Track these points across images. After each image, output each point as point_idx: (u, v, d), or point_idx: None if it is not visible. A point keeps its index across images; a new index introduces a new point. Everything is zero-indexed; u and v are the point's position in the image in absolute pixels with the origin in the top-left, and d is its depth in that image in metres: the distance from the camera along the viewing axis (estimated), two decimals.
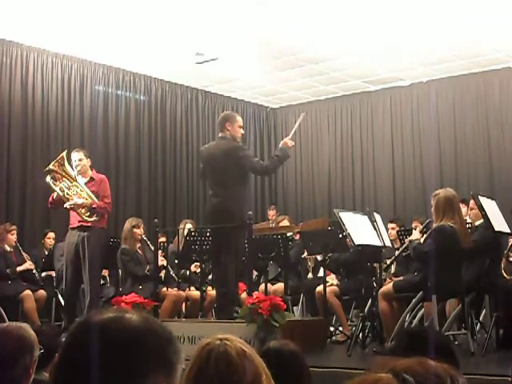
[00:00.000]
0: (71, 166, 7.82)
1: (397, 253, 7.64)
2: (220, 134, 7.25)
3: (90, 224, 7.67)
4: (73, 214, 7.76)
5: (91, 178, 7.90)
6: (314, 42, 10.63)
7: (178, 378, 1.36)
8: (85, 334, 1.31)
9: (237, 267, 7.03)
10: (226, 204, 6.95)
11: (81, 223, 7.69)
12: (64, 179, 7.71)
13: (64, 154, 7.89)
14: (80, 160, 7.86)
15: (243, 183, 7.25)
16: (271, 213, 11.94)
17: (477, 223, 7.08)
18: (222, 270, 7.06)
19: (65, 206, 7.71)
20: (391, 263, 7.93)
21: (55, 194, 7.80)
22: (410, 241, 6.68)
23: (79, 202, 7.68)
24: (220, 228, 7.02)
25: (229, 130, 7.14)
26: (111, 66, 11.78)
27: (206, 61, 11.33)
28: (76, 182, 7.73)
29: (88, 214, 7.68)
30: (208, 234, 7.78)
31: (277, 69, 11.93)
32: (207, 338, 2.12)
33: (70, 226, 7.82)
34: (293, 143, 7.40)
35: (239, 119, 7.33)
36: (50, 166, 7.73)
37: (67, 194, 7.69)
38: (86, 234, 7.66)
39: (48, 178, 7.72)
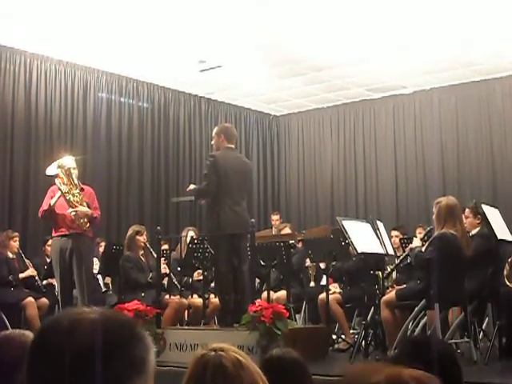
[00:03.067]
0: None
1: (398, 261, 7.64)
2: (232, 146, 7.35)
3: (81, 232, 7.65)
4: (64, 220, 7.66)
5: (82, 189, 7.80)
6: (317, 50, 10.65)
7: (152, 370, 1.31)
8: (45, 346, 1.27)
9: (251, 275, 7.14)
10: (246, 215, 7.20)
11: (74, 231, 7.64)
12: (68, 185, 7.66)
13: (70, 159, 7.84)
14: (74, 169, 7.82)
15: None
16: (275, 217, 11.87)
17: (472, 232, 7.05)
18: (238, 276, 7.14)
19: (68, 211, 7.63)
20: (392, 271, 7.93)
21: (52, 201, 7.70)
22: (411, 248, 6.68)
23: (84, 210, 7.64)
24: (230, 235, 7.05)
25: None
26: (114, 74, 11.81)
27: (210, 68, 11.36)
28: (78, 191, 7.70)
29: (86, 222, 7.65)
30: (211, 241, 7.75)
31: (280, 76, 11.95)
32: (201, 348, 2.10)
33: (61, 233, 7.67)
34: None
35: None
36: (58, 172, 7.65)
37: (74, 200, 7.64)
38: (79, 241, 7.63)
39: (58, 182, 7.66)
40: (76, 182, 7.71)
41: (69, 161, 7.80)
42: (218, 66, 11.30)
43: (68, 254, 7.59)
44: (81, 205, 7.64)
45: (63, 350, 1.24)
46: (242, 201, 7.20)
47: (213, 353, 2.02)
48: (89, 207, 7.70)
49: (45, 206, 7.75)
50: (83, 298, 7.55)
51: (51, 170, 7.78)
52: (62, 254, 7.62)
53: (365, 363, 1.44)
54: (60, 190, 7.63)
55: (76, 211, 7.58)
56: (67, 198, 7.61)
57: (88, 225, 7.67)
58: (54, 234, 7.82)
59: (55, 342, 1.26)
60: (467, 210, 7.16)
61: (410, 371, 1.31)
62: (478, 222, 7.05)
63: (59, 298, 7.81)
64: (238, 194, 7.12)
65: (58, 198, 7.68)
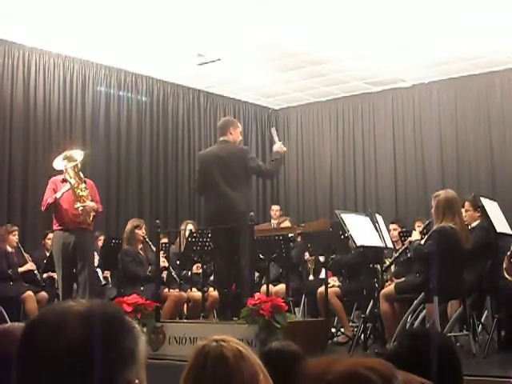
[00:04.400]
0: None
1: (397, 254, 7.64)
2: (222, 138, 7.31)
3: (84, 226, 7.63)
4: (67, 214, 7.62)
5: (84, 182, 7.78)
6: (316, 44, 10.63)
7: (143, 360, 1.30)
8: (33, 343, 1.26)
9: (251, 268, 7.10)
10: (235, 205, 7.01)
11: (77, 225, 7.62)
12: (77, 179, 7.62)
13: (79, 153, 7.79)
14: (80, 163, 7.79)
15: (249, 185, 7.47)
16: (275, 208, 11.79)
17: (473, 225, 7.07)
18: (236, 270, 7.10)
19: (76, 206, 7.56)
20: (391, 264, 7.93)
21: (58, 195, 7.63)
22: (410, 242, 6.68)
23: (91, 205, 7.61)
24: (228, 228, 7.03)
25: (232, 134, 7.29)
26: (113, 67, 11.79)
27: (208, 62, 11.34)
28: (84, 185, 7.66)
29: (91, 217, 7.63)
30: (210, 235, 7.75)
31: (278, 70, 11.93)
32: (203, 339, 2.10)
33: (63, 227, 7.63)
34: (285, 149, 7.78)
35: (239, 125, 7.59)
36: (69, 167, 7.60)
37: (81, 195, 7.60)
38: (83, 236, 7.61)
39: (68, 177, 7.61)
40: (82, 176, 7.68)
41: (77, 154, 7.74)
42: (217, 60, 11.28)
43: (71, 248, 7.56)
44: (87, 200, 7.61)
45: (51, 346, 1.23)
46: (233, 191, 7.05)
47: (214, 343, 2.03)
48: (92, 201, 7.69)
49: (49, 200, 7.64)
50: (84, 293, 7.53)
51: (58, 164, 7.71)
52: (65, 248, 7.57)
53: (322, 358, 1.43)
54: (70, 183, 7.57)
55: (84, 206, 7.55)
56: (77, 192, 7.57)
57: (91, 220, 7.65)
58: (55, 227, 7.75)
59: (43, 338, 1.24)
60: (467, 202, 7.17)
61: (366, 362, 1.30)
62: (479, 214, 7.06)
63: (59, 291, 7.79)
64: (226, 185, 7.06)
65: (66, 191, 7.61)
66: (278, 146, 7.58)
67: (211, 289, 8.36)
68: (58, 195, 7.60)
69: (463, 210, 7.22)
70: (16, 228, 9.21)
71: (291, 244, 8.63)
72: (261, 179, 13.50)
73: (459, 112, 12.38)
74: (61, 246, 7.60)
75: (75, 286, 7.80)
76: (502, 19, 9.60)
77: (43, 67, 10.94)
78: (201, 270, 8.32)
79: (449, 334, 6.15)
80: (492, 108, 12.05)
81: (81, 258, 7.56)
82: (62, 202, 7.61)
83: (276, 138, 7.81)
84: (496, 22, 9.70)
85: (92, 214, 7.60)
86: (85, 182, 7.74)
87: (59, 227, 7.68)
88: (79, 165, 7.66)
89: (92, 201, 7.67)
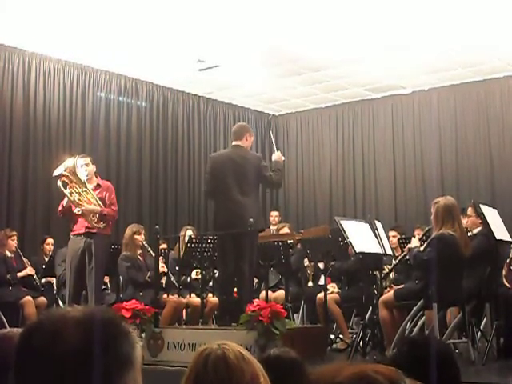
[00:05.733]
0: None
1: (395, 261, 7.64)
2: (236, 143, 7.29)
3: (95, 230, 7.62)
4: (78, 219, 7.65)
5: (98, 185, 7.81)
6: (316, 50, 10.64)
7: (139, 365, 1.31)
8: (31, 349, 1.26)
9: (251, 275, 7.07)
10: (246, 211, 6.97)
11: (88, 230, 7.60)
12: (74, 185, 7.62)
13: (75, 158, 7.81)
14: (87, 165, 7.79)
15: (258, 191, 7.50)
16: (274, 214, 11.79)
17: (475, 231, 7.08)
18: (238, 277, 7.06)
19: (75, 211, 7.58)
20: (390, 271, 7.93)
21: (65, 201, 7.66)
22: (409, 248, 6.68)
23: (90, 208, 7.61)
24: (236, 234, 7.00)
25: (247, 140, 7.30)
26: (113, 73, 11.79)
27: (208, 68, 11.35)
28: (86, 188, 7.64)
29: (97, 220, 7.62)
30: (218, 240, 7.71)
31: (278, 76, 11.94)
32: (206, 344, 2.11)
33: (75, 232, 7.66)
34: (284, 158, 7.76)
35: (253, 134, 7.67)
36: (62, 171, 7.62)
37: (78, 199, 7.60)
38: (92, 240, 7.57)
39: (59, 183, 7.64)
40: (84, 179, 7.66)
41: (70, 162, 7.76)
42: (217, 66, 11.30)
43: (80, 253, 7.57)
44: (88, 203, 7.60)
45: (49, 352, 1.23)
46: (243, 197, 7.03)
47: (216, 346, 2.04)
48: (104, 203, 7.68)
49: (60, 207, 7.79)
50: (91, 297, 7.53)
51: (57, 171, 7.75)
52: (75, 252, 7.60)
53: (331, 364, 1.44)
54: (65, 194, 7.62)
55: (82, 210, 7.56)
56: (72, 198, 7.58)
57: (102, 223, 7.63)
58: (71, 233, 7.79)
59: (40, 344, 1.25)
60: (470, 208, 7.18)
61: (374, 367, 1.31)
62: (480, 221, 7.06)
63: (67, 297, 7.77)
64: (238, 190, 7.04)
65: (67, 202, 7.67)
66: (278, 156, 7.57)
67: (210, 295, 8.36)
68: (65, 203, 7.70)
69: (465, 216, 7.24)
70: (15, 233, 9.21)
71: (290, 250, 8.63)
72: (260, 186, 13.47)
73: (459, 119, 12.39)
74: (71, 251, 7.65)
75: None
76: (502, 26, 9.62)
77: (43, 72, 10.94)
78: (200, 276, 8.32)
79: (448, 341, 6.15)
80: (492, 115, 12.07)
81: (88, 263, 7.56)
82: (74, 208, 7.64)
83: (275, 146, 7.81)
84: (496, 30, 9.72)
85: (93, 217, 7.59)
86: (98, 185, 7.79)
87: (73, 232, 7.72)
88: (77, 168, 7.67)
89: (104, 202, 7.66)
